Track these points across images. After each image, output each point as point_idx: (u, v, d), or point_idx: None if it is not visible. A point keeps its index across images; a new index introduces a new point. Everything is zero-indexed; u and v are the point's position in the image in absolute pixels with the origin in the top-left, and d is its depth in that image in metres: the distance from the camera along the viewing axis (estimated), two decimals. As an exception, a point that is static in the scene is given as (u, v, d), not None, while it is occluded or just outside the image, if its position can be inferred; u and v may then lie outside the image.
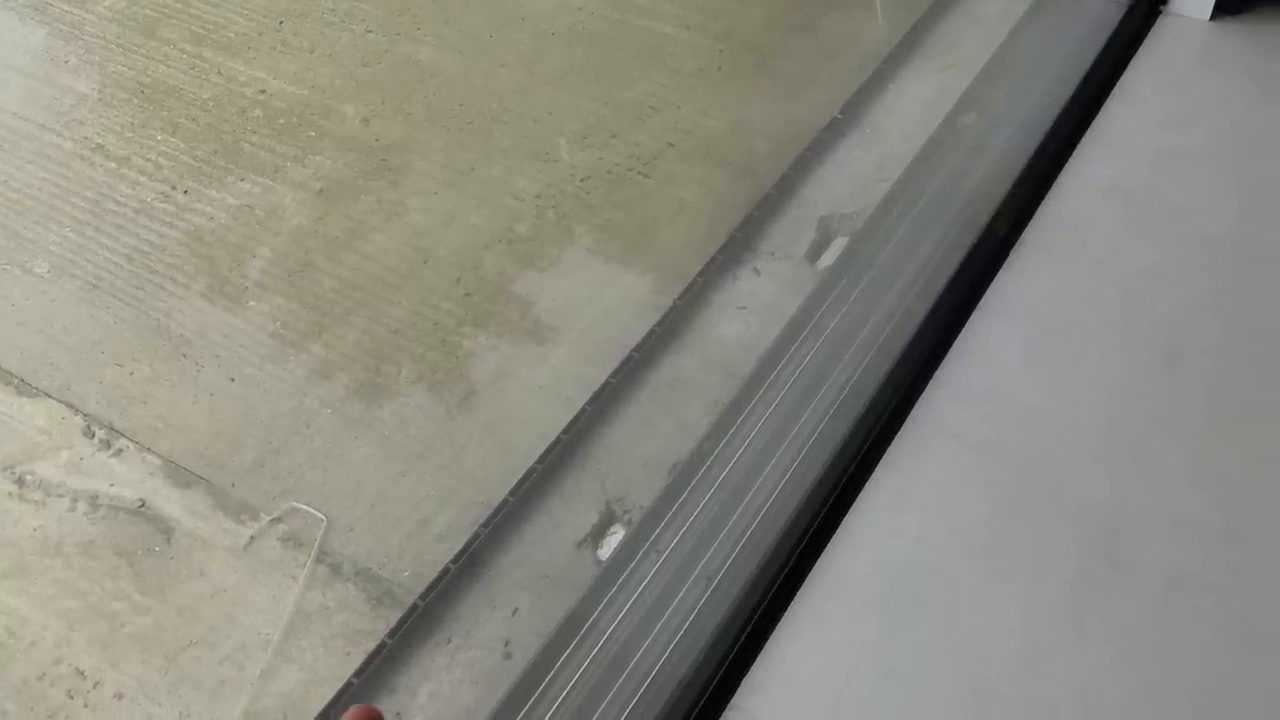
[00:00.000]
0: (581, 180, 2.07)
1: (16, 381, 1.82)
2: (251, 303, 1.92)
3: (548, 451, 1.59)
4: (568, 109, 2.24)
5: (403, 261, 1.95)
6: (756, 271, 1.84)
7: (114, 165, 2.23)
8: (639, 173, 2.08)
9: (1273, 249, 1.74)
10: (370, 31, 2.52)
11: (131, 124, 2.33)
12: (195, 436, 1.71)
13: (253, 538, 1.57)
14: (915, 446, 1.55)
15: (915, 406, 1.59)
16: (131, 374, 1.82)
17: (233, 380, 1.79)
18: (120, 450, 1.70)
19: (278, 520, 1.58)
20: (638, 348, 1.72)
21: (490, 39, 2.46)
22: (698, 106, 2.21)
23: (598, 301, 1.84)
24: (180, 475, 1.65)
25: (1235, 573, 1.36)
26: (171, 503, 1.62)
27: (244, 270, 1.98)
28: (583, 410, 1.64)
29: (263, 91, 2.37)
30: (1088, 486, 1.46)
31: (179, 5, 2.66)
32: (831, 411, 1.59)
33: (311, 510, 1.58)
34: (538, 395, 1.71)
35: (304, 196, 2.11)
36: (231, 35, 2.55)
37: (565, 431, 1.61)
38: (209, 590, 1.51)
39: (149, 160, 2.23)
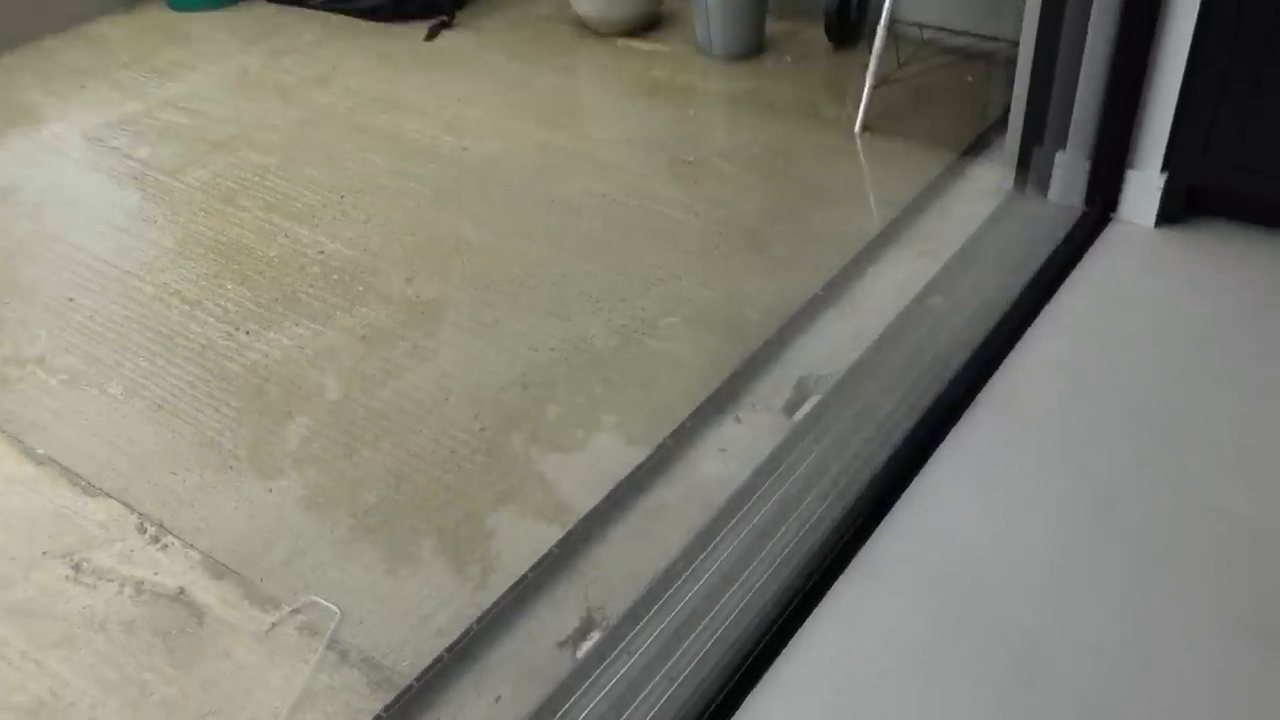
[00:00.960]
0: (591, 337, 2.35)
1: (83, 483, 2.07)
2: (293, 425, 2.18)
3: (539, 562, 1.79)
4: (584, 277, 2.55)
5: (429, 398, 2.22)
6: (738, 420, 2.08)
7: (187, 308, 2.55)
8: (642, 333, 2.35)
9: (1196, 419, 1.96)
10: (419, 208, 2.88)
11: (205, 274, 2.67)
12: (233, 537, 1.93)
13: (274, 625, 1.76)
14: (867, 573, 1.74)
15: (870, 539, 1.79)
16: (183, 481, 2.06)
17: (270, 491, 2.03)
18: (166, 545, 1.92)
19: (297, 611, 1.78)
20: (628, 478, 1.94)
21: (522, 217, 2.81)
22: (698, 279, 2.51)
23: (597, 436, 2.08)
24: (216, 568, 1.87)
25: (1150, 698, 1.51)
26: (207, 592, 1.83)
27: (290, 398, 2.24)
28: (575, 527, 1.85)
29: (321, 252, 2.71)
30: (1019, 617, 1.64)
31: (256, 179, 3.06)
32: (794, 541, 1.79)
33: (328, 604, 1.78)
34: (536, 513, 1.92)
35: (349, 340, 2.40)
36: (299, 205, 2.92)
37: (557, 545, 1.82)
38: (231, 668, 1.70)
39: (218, 305, 2.55)
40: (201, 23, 4.11)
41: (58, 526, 1.99)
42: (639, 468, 1.97)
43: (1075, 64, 2.40)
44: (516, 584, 1.77)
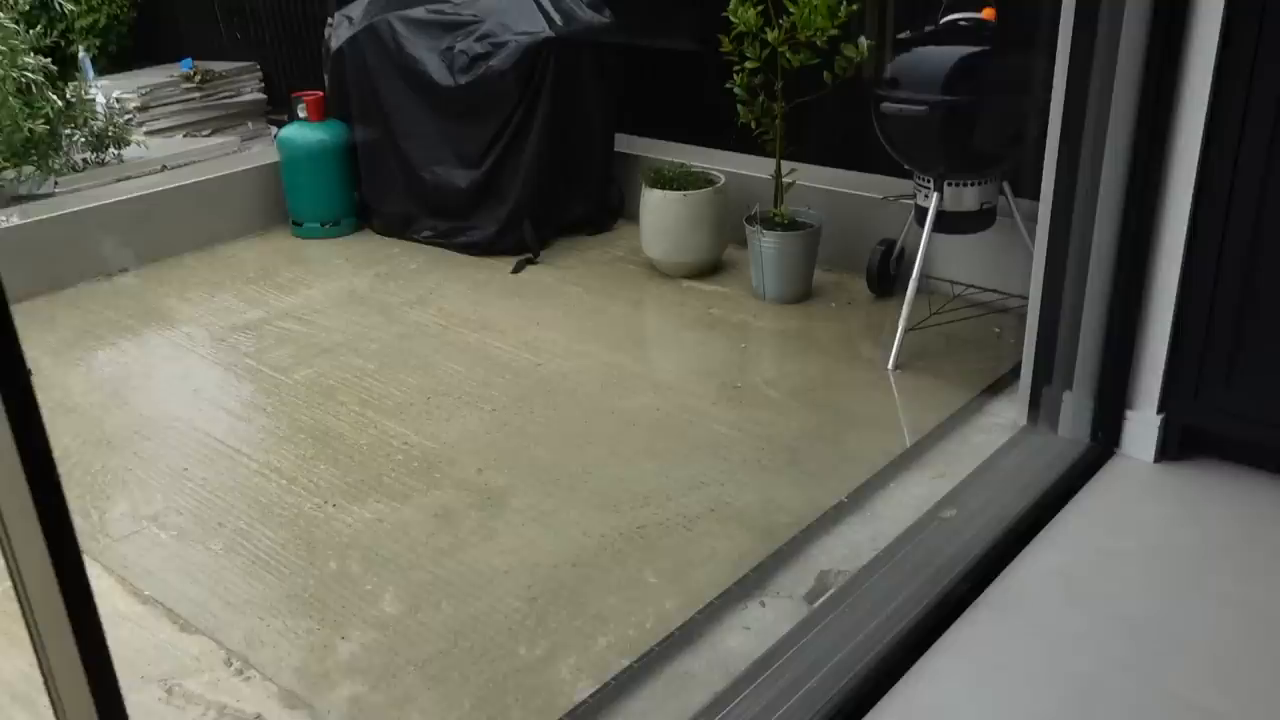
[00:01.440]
0: (638, 528, 2.63)
1: (181, 621, 2.36)
2: (367, 585, 2.46)
3: (572, 710, 2.01)
4: (635, 478, 2.85)
5: (489, 569, 2.49)
6: (762, 604, 2.32)
7: (284, 482, 2.90)
8: (683, 527, 2.63)
9: (1180, 628, 2.15)
10: (495, 411, 3.25)
11: (303, 456, 3.04)
12: (307, 675, 2.18)
13: (335, 750, 1.99)
14: (867, 745, 1.92)
15: (869, 713, 1.98)
16: (268, 626, 2.34)
17: (342, 639, 2.29)
18: (249, 677, 2.18)
19: (357, 740, 2.01)
20: (659, 644, 2.17)
21: (585, 425, 3.16)
22: (737, 486, 2.80)
23: (634, 609, 2.32)
24: (291, 699, 2.11)
25: None
26: (280, 718, 2.07)
27: (366, 562, 2.54)
28: (607, 683, 2.07)
29: (405, 443, 3.07)
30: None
31: (355, 380, 3.48)
32: (802, 711, 1.98)
33: (384, 736, 2.01)
34: (575, 670, 2.15)
35: (423, 517, 2.71)
36: (390, 403, 3.31)
37: (592, 696, 2.04)
38: (294, 784, 1.91)
39: (311, 481, 2.90)
40: (320, 248, 4.72)
41: (157, 656, 2.27)
42: (669, 636, 2.20)
43: (1077, 314, 2.74)
44: (552, 728, 1.98)
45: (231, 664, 2.23)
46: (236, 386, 3.50)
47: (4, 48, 4.44)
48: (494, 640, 2.27)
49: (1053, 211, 2.68)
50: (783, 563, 2.45)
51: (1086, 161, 2.58)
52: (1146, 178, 2.53)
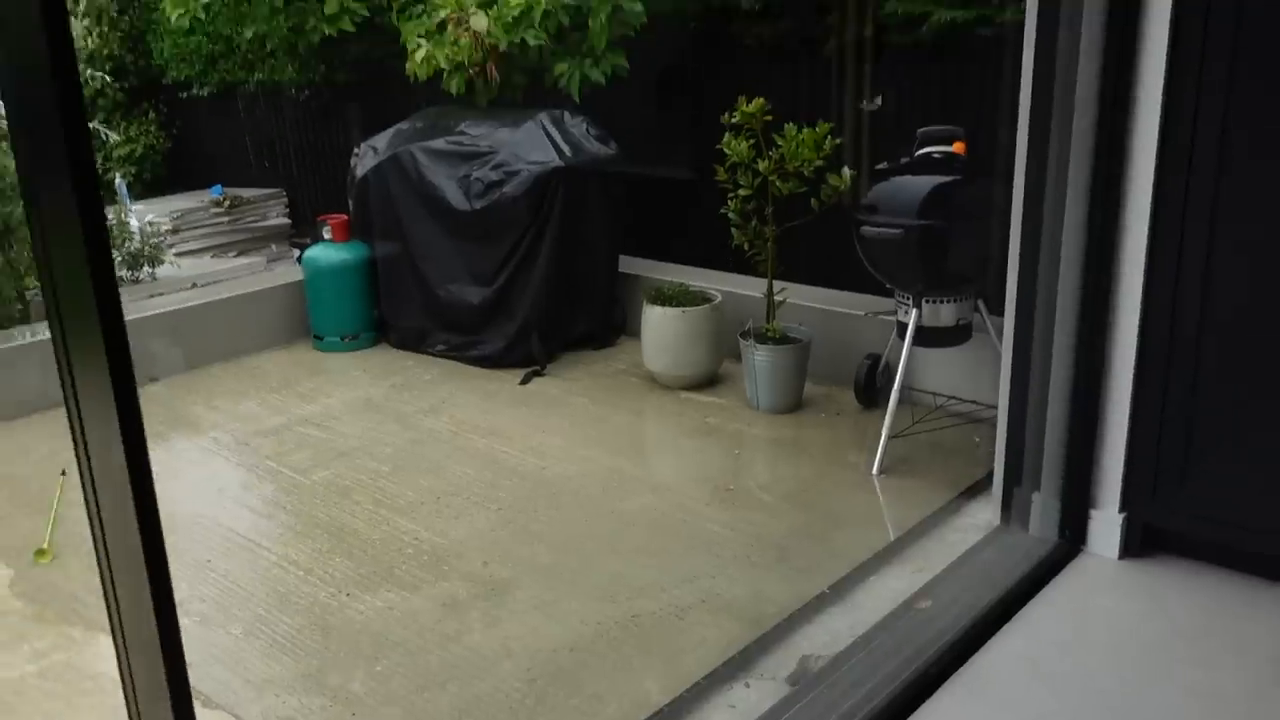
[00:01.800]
0: (633, 617, 2.80)
1: (203, 697, 2.52)
2: (378, 667, 2.62)
3: (570, 778, 2.16)
4: (632, 572, 3.03)
5: (492, 654, 2.66)
6: (747, 685, 2.47)
7: (301, 573, 3.09)
8: (676, 616, 2.80)
9: (1137, 707, 2.30)
10: (500, 510, 3.45)
11: (320, 549, 3.22)
12: (320, 746, 2.34)
13: (346, 814, 2.13)
14: (842, 809, 2.06)
15: (846, 782, 2.12)
16: (284, 702, 2.50)
17: (354, 715, 2.45)
18: (265, 748, 2.33)
19: (366, 805, 2.15)
20: (649, 719, 2.32)
21: (586, 524, 3.35)
22: (728, 580, 2.97)
23: (626, 688, 2.48)
24: (304, 768, 2.26)
25: None
26: (293, 785, 2.21)
27: (377, 646, 2.70)
28: (600, 754, 2.22)
29: (416, 539, 3.26)
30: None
31: (369, 481, 3.69)
32: (784, 779, 2.13)
33: (391, 802, 2.15)
34: (571, 746, 2.30)
35: (431, 606, 2.89)
36: (402, 502, 3.51)
37: (585, 766, 2.18)
38: (306, 845, 2.05)
39: (326, 572, 3.08)
40: (340, 360, 4.98)
41: (179, 729, 2.42)
42: (658, 713, 2.35)
43: (1042, 421, 2.95)
44: (548, 795, 2.12)
45: (250, 736, 2.38)
46: (258, 486, 3.71)
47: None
48: (496, 718, 2.42)
49: (1015, 325, 2.92)
50: (767, 648, 2.60)
51: (1044, 280, 2.84)
52: (1098, 295, 2.78)
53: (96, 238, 1.22)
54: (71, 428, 1.39)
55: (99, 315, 1.25)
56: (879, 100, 4.74)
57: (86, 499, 1.41)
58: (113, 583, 1.38)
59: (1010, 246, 2.89)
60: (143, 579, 1.34)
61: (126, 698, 1.43)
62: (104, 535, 1.41)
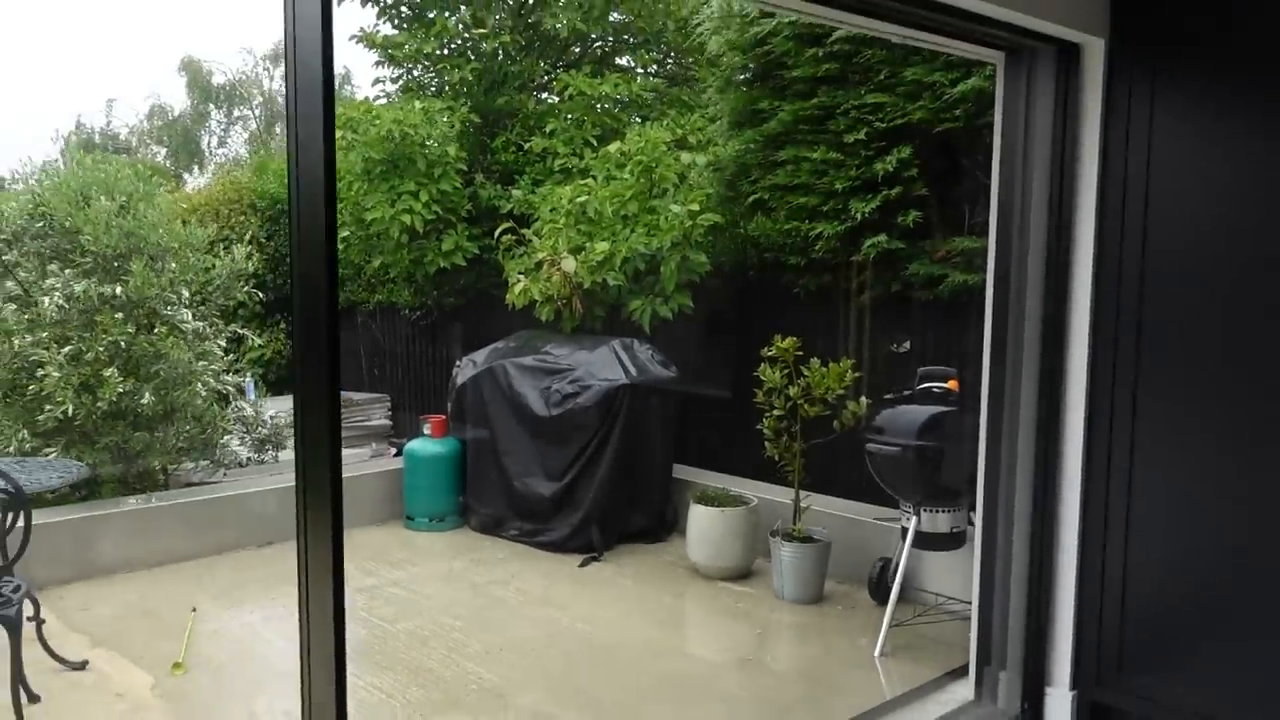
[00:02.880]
0: (653, 748, 3.38)
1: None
2: (443, 766, 3.23)
3: None
4: (657, 715, 3.61)
5: (535, 764, 3.25)
6: (739, 800, 3.02)
7: (384, 696, 3.74)
8: (689, 750, 3.36)
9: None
10: (553, 663, 4.08)
11: (400, 681, 3.88)
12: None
13: None
14: None
15: None
16: (366, 785, 3.11)
17: (420, 799, 3.06)
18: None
19: None
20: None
21: (626, 680, 3.95)
22: (736, 726, 3.53)
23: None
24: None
25: None
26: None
27: (443, 752, 3.32)
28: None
29: (480, 679, 3.90)
30: None
31: (444, 633, 4.35)
32: None
33: None
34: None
35: (488, 728, 3.50)
36: (471, 650, 4.17)
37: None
38: None
39: (405, 698, 3.73)
40: (426, 538, 5.74)
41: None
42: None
43: (1005, 608, 3.54)
44: None
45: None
46: (352, 630, 4.38)
47: (216, 367, 5.82)
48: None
49: (983, 527, 3.56)
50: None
51: (1004, 489, 3.50)
52: (1045, 511, 3.42)
53: (335, 410, 2.04)
54: (299, 547, 2.17)
55: (330, 469, 2.07)
56: (907, 344, 5.55)
57: (301, 606, 2.17)
58: (309, 678, 2.12)
59: (978, 463, 3.58)
60: (331, 671, 2.09)
61: None
62: (309, 639, 2.16)
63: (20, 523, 3.52)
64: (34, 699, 3.60)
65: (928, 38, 3.19)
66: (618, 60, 9.25)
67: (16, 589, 3.42)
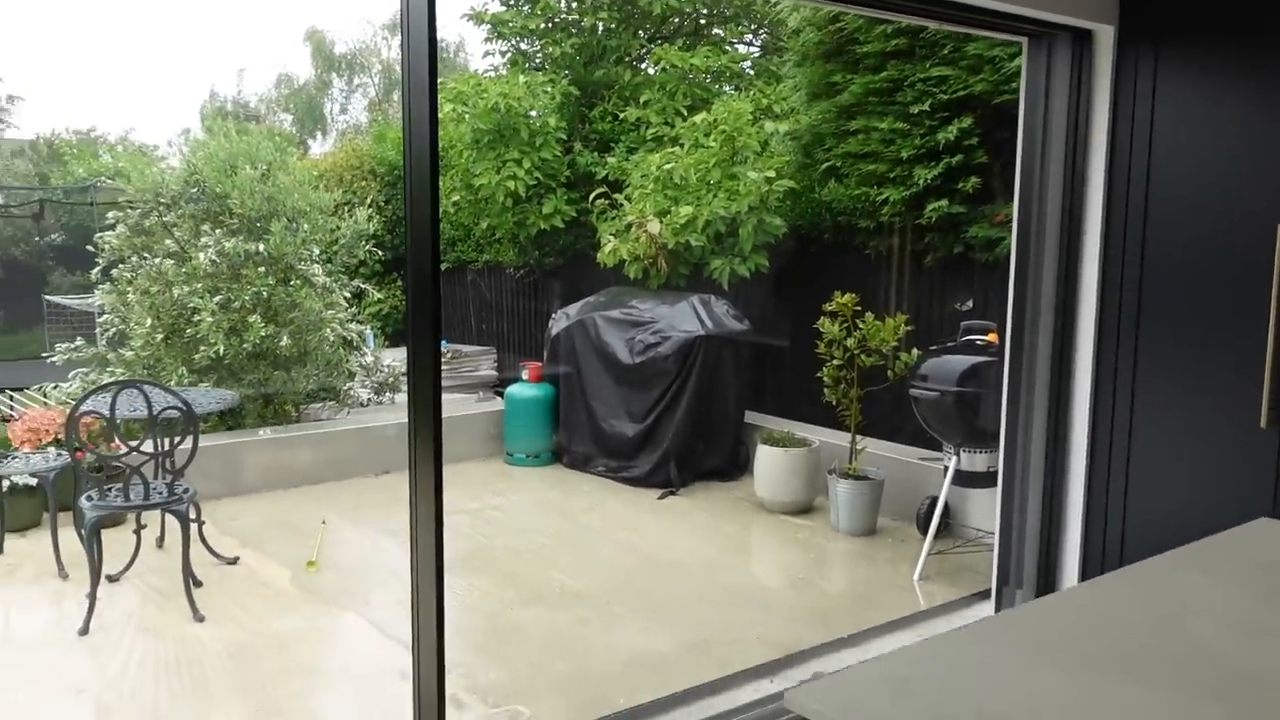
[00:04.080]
0: (703, 640, 3.95)
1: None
2: (523, 647, 3.87)
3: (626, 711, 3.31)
4: (712, 618, 4.18)
5: (602, 650, 3.86)
6: (770, 681, 3.57)
7: (481, 594, 4.40)
8: (735, 643, 3.92)
9: None
10: (627, 574, 4.68)
11: (495, 583, 4.54)
12: (485, 690, 3.58)
13: None
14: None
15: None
16: (457, 659, 3.77)
17: (500, 667, 3.69)
18: (456, 675, 3.60)
19: None
20: (699, 687, 3.46)
21: (687, 588, 4.53)
22: (779, 629, 4.08)
23: (691, 679, 3.62)
24: (486, 697, 3.51)
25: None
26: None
27: (526, 636, 3.95)
28: (657, 699, 3.37)
29: (563, 584, 4.53)
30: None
31: (534, 547, 5.00)
32: (778, 725, 3.21)
33: None
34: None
35: (566, 620, 4.13)
36: (557, 562, 4.80)
37: (632, 708, 3.34)
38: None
39: (499, 595, 4.38)
40: (524, 473, 6.42)
41: (391, 659, 3.72)
42: (708, 684, 3.48)
43: (1023, 533, 3.99)
44: None
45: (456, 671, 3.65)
46: (456, 544, 5.08)
47: (342, 315, 6.57)
48: (593, 681, 3.61)
49: (1004, 459, 4.01)
50: (791, 664, 3.70)
51: (1021, 439, 3.94)
52: (1057, 448, 3.86)
53: (436, 362, 2.64)
54: (409, 474, 2.78)
55: (432, 408, 2.66)
56: (970, 303, 5.95)
57: (413, 521, 2.78)
58: (417, 582, 2.74)
59: (1003, 401, 4.03)
60: (433, 576, 2.70)
61: (413, 638, 2.75)
62: (416, 545, 2.77)
63: (188, 440, 4.27)
64: (198, 584, 4.37)
65: (959, 28, 3.63)
66: (715, 30, 9.70)
67: (186, 490, 4.19)
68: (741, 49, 9.59)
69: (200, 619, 4.07)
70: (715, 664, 3.74)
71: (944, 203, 5.73)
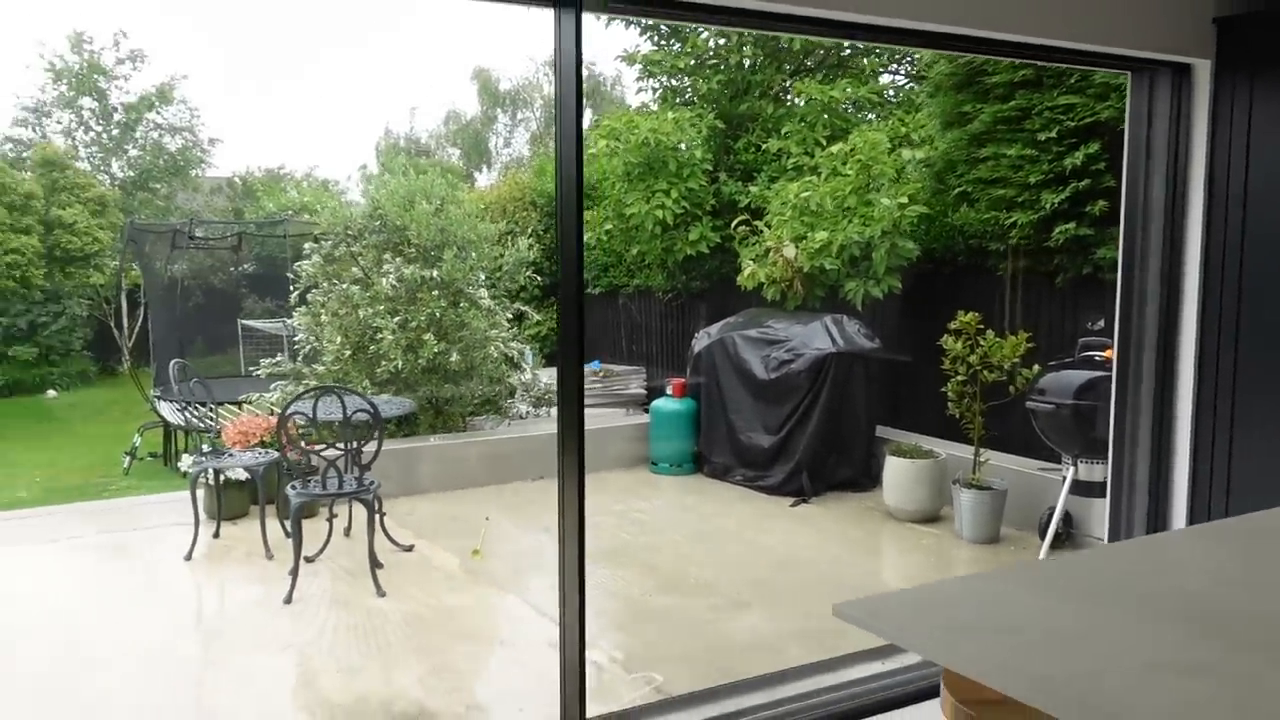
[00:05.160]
0: (819, 628, 4.33)
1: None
2: (664, 630, 4.33)
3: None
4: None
5: (730, 631, 4.29)
6: (882, 663, 3.92)
7: (623, 583, 4.89)
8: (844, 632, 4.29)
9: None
10: (755, 569, 5.09)
11: (635, 573, 5.02)
12: (619, 659, 4.07)
13: None
14: None
15: (921, 704, 3.54)
16: (607, 639, 4.26)
17: (643, 646, 4.17)
18: (600, 646, 4.10)
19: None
20: (818, 662, 3.85)
21: (815, 584, 4.91)
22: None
23: (808, 657, 4.01)
24: (619, 661, 4.00)
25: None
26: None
27: (665, 626, 4.42)
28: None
29: (699, 576, 4.97)
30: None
31: (672, 545, 5.47)
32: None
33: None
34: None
35: (701, 607, 4.57)
36: (693, 557, 5.25)
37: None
38: None
39: (639, 583, 4.87)
40: (666, 481, 6.91)
41: (541, 635, 4.24)
42: (823, 661, 3.87)
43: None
44: None
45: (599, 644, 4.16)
46: (602, 541, 5.61)
47: (504, 335, 7.25)
48: (723, 657, 4.05)
49: (1112, 470, 4.25)
50: (901, 650, 4.03)
51: (1128, 450, 4.17)
52: (1161, 462, 4.08)
53: (580, 382, 3.14)
54: (559, 479, 3.29)
55: (577, 423, 3.16)
56: (1101, 322, 6.12)
57: (561, 517, 3.29)
58: (563, 568, 3.24)
59: (1112, 413, 4.27)
60: (576, 563, 3.20)
61: (560, 614, 3.26)
62: (563, 538, 3.28)
63: (374, 440, 4.93)
64: (380, 566, 5.02)
65: (1068, 66, 3.95)
66: (862, 60, 10.04)
67: (372, 483, 4.85)
68: (886, 79, 9.91)
69: (382, 594, 4.71)
70: (830, 649, 4.11)
71: (1071, 225, 5.94)
